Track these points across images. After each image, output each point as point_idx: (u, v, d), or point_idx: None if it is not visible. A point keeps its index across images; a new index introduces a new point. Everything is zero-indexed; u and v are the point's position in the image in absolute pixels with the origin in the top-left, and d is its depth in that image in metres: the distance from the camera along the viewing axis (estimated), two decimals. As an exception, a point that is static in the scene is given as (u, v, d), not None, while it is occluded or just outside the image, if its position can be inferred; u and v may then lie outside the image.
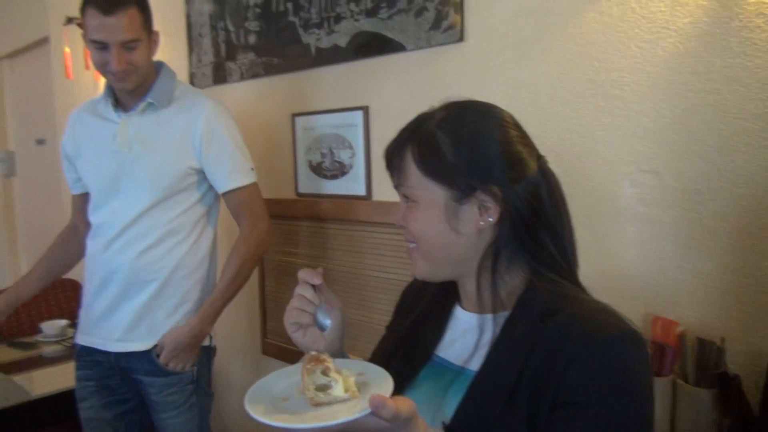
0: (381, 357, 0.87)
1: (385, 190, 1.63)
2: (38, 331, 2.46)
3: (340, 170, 1.73)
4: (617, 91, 1.18)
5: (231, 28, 2.03)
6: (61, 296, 2.78)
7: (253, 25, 1.95)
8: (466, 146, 0.75)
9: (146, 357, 1.52)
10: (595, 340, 0.67)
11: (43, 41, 3.33)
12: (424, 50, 1.49)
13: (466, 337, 0.80)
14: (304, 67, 1.81)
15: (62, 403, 1.93)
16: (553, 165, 1.26)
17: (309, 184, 1.83)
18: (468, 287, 0.80)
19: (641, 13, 1.13)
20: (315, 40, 1.75)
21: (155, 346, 1.52)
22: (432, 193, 0.76)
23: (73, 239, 1.71)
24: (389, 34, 1.55)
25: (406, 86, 1.55)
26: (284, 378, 0.75)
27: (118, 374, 1.58)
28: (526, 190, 0.77)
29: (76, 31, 2.73)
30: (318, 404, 0.65)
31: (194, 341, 1.52)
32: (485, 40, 1.38)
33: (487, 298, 0.78)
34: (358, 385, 0.69)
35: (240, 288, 1.58)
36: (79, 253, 1.69)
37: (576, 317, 0.70)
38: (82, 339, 1.61)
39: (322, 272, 0.84)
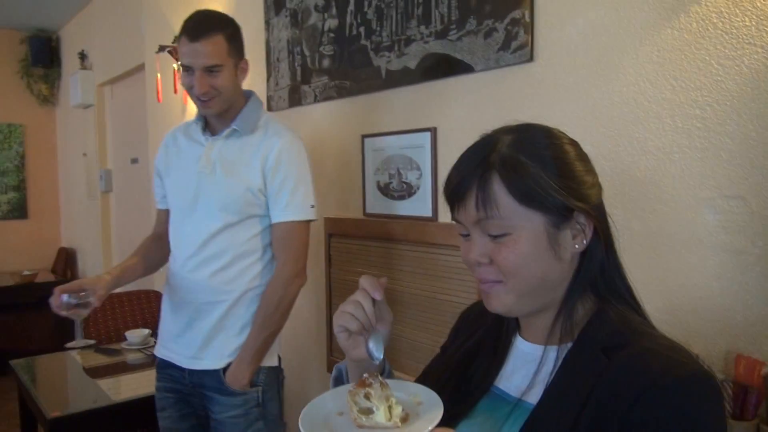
0: (434, 380, 0.84)
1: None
2: (123, 339, 2.61)
3: (407, 191, 1.73)
4: (697, 111, 1.11)
5: (307, 52, 2.10)
6: (145, 307, 2.94)
7: (327, 49, 2.00)
8: (554, 169, 0.71)
9: (216, 375, 1.56)
10: (664, 380, 0.62)
11: (140, 68, 3.59)
12: (493, 71, 1.47)
13: (526, 369, 0.77)
14: (374, 89, 1.83)
15: (143, 407, 2.03)
16: (627, 189, 1.21)
17: (377, 204, 1.84)
18: (541, 318, 0.77)
19: (723, 28, 1.06)
20: (385, 62, 1.78)
21: (226, 367, 1.56)
22: (531, 222, 0.71)
23: (160, 243, 1.76)
24: (458, 56, 1.55)
25: (473, 107, 1.54)
26: (339, 396, 0.76)
27: (192, 389, 1.63)
28: (603, 213, 0.76)
29: (166, 59, 2.92)
30: (361, 426, 0.65)
31: (239, 383, 1.55)
32: (556, 59, 1.34)
33: (558, 328, 0.74)
34: (406, 412, 0.68)
35: (274, 331, 1.58)
36: (165, 257, 1.74)
37: (644, 353, 0.66)
38: (160, 352, 1.69)
39: (385, 283, 0.82)
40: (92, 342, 2.68)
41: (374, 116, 1.85)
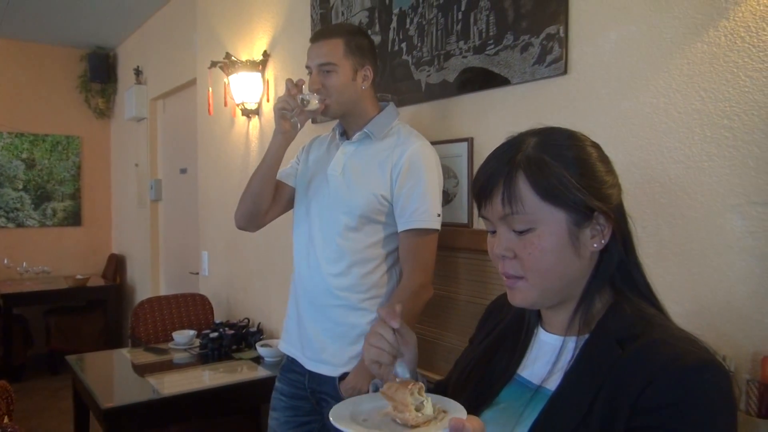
0: (460, 371, 0.91)
1: (486, 219, 1.67)
2: (170, 339, 2.73)
3: (444, 199, 1.80)
4: (726, 121, 1.15)
5: (350, 67, 2.20)
6: (191, 309, 3.07)
7: (369, 64, 2.10)
8: (576, 169, 0.75)
9: (332, 382, 1.57)
10: (675, 366, 0.66)
11: (191, 83, 3.77)
12: (529, 83, 1.54)
13: (546, 358, 0.81)
14: (414, 101, 1.92)
15: (188, 403, 2.14)
16: (657, 196, 1.25)
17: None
18: (561, 311, 0.81)
19: (751, 42, 1.11)
20: (425, 76, 1.86)
21: (342, 376, 1.53)
22: (553, 218, 0.75)
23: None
24: (495, 69, 1.62)
25: (509, 118, 1.60)
26: (365, 403, 0.81)
27: (306, 394, 1.66)
28: (622, 214, 0.80)
29: (218, 74, 3.08)
30: (415, 425, 0.70)
31: (353, 394, 1.50)
32: (589, 72, 1.40)
33: (577, 321, 0.79)
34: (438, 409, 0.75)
35: None
36: (267, 200, 1.69)
37: (655, 343, 0.70)
38: (285, 348, 1.73)
39: (401, 311, 0.86)
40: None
41: (414, 127, 1.92)
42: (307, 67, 1.61)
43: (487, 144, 1.67)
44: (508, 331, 0.89)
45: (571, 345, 0.78)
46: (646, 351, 0.69)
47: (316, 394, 1.64)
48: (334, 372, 1.57)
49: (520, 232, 0.76)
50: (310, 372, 1.63)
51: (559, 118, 1.46)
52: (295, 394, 1.69)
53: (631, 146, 1.31)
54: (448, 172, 1.78)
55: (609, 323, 0.76)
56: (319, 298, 1.60)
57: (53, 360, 4.77)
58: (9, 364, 4.27)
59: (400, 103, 1.98)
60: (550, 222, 0.75)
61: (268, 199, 1.68)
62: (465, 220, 1.72)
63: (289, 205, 1.77)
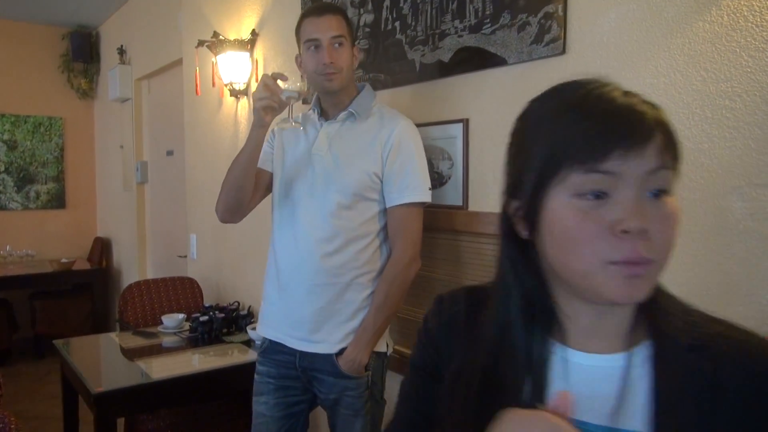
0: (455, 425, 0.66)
1: (479, 201, 1.66)
2: (159, 322, 2.70)
3: (438, 181, 1.78)
4: (727, 102, 1.14)
5: (342, 46, 2.16)
6: (180, 293, 3.04)
7: (362, 43, 2.06)
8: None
9: (328, 359, 1.58)
10: None
11: (176, 63, 3.70)
12: (526, 64, 1.52)
13: (594, 387, 0.62)
14: (408, 82, 1.89)
15: (179, 387, 2.13)
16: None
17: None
18: (618, 316, 0.63)
19: (754, 21, 1.09)
20: (420, 56, 1.83)
21: (339, 352, 1.58)
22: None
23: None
24: (491, 49, 1.59)
25: (505, 99, 1.58)
26: None
27: (297, 374, 1.65)
28: None
29: (205, 54, 3.01)
30: None
31: (354, 367, 1.56)
32: (588, 52, 1.38)
33: (643, 327, 0.63)
34: None
35: (391, 314, 1.60)
36: (249, 190, 1.67)
37: (738, 344, 0.59)
38: (268, 333, 1.69)
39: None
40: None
41: (408, 108, 1.90)
42: (312, 39, 1.58)
43: (483, 125, 1.65)
44: (506, 356, 0.64)
45: (638, 363, 0.61)
46: (737, 359, 0.58)
47: (308, 373, 1.63)
48: (329, 350, 1.58)
49: (657, 194, 0.57)
50: (301, 352, 1.62)
51: (557, 98, 1.44)
52: (284, 374, 1.67)
53: (630, 127, 1.30)
54: (442, 154, 1.76)
55: (666, 327, 0.61)
56: (311, 278, 1.59)
57: (39, 344, 4.72)
58: (-6, 349, 4.22)
59: (393, 84, 1.95)
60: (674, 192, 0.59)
61: (251, 190, 1.67)
62: (460, 202, 1.70)
63: (269, 190, 1.76)
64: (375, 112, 1.65)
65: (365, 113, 1.63)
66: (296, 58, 1.69)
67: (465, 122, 1.69)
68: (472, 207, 1.68)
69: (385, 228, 1.62)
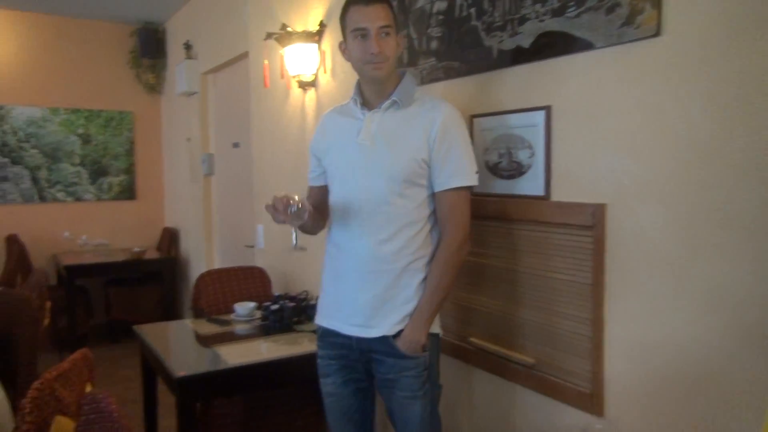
0: None
1: (565, 191, 1.61)
2: (231, 310, 2.78)
3: (517, 170, 1.74)
4: None
5: (414, 35, 2.14)
6: (250, 282, 3.11)
7: (435, 31, 2.03)
8: None
9: (386, 341, 1.61)
10: None
11: (242, 56, 3.76)
12: (615, 47, 1.45)
13: None
14: (484, 69, 1.85)
15: (253, 373, 2.18)
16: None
17: (486, 183, 1.85)
18: None
19: None
20: (497, 42, 1.79)
21: (396, 334, 1.60)
22: None
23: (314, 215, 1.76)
24: (576, 33, 1.54)
25: (592, 85, 1.52)
26: None
27: (357, 355, 1.68)
28: None
29: (273, 46, 3.05)
30: None
31: (412, 347, 1.59)
32: (686, 33, 1.31)
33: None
34: None
35: (445, 296, 1.63)
36: (321, 227, 1.84)
37: None
38: (325, 321, 1.74)
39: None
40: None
41: (484, 96, 1.87)
42: (360, 28, 1.59)
43: (568, 112, 1.59)
44: None
45: None
46: None
47: (366, 354, 1.66)
48: (387, 332, 1.61)
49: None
50: (357, 337, 1.65)
51: (650, 83, 1.38)
52: (344, 355, 1.71)
53: (734, 111, 1.23)
54: (521, 143, 1.72)
55: None
56: (367, 265, 1.62)
57: (113, 329, 4.94)
58: (74, 333, 4.44)
59: (467, 72, 1.92)
60: None
61: (323, 218, 1.81)
62: (542, 192, 1.66)
63: None
64: (417, 99, 1.66)
65: (408, 100, 1.65)
66: (340, 45, 1.70)
67: (547, 109, 1.64)
68: (556, 197, 1.63)
69: (434, 213, 1.65)
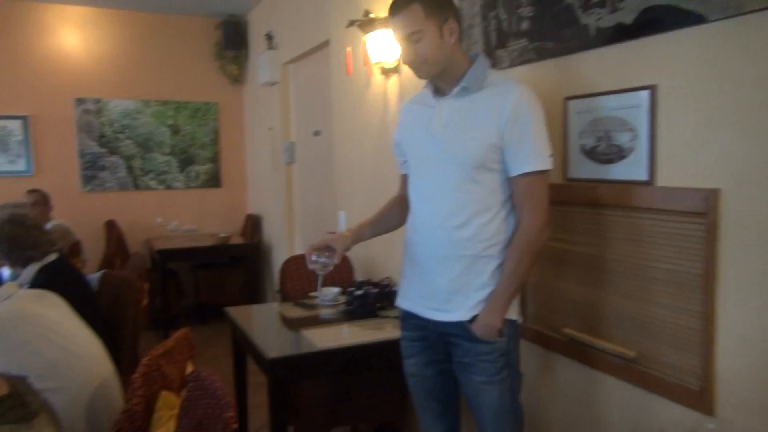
0: None
1: (671, 175, 1.52)
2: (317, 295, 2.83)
3: (617, 154, 1.66)
4: None
5: (503, 16, 2.08)
6: (334, 268, 3.14)
7: (526, 11, 1.97)
8: None
9: (461, 325, 1.62)
10: None
11: (322, 45, 3.80)
12: (731, 20, 1.35)
13: None
14: (579, 49, 1.77)
15: (339, 357, 2.22)
16: None
17: (581, 168, 1.78)
18: None
19: None
20: (595, 20, 1.70)
21: (471, 319, 1.60)
22: None
23: (402, 204, 1.87)
24: (686, 6, 1.44)
25: (705, 61, 1.42)
26: None
27: (435, 337, 1.71)
28: None
29: (354, 33, 3.06)
30: None
31: (488, 331, 1.58)
32: (818, 1, 1.19)
33: None
34: None
35: (522, 282, 1.62)
36: (405, 218, 1.85)
37: None
38: (404, 303, 1.79)
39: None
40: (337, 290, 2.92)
41: (579, 77, 1.79)
42: (395, 39, 1.63)
43: (676, 92, 1.50)
44: None
45: None
46: None
47: (443, 337, 1.69)
48: (462, 317, 1.62)
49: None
50: (434, 320, 1.68)
51: (774, 57, 1.27)
52: (425, 337, 1.74)
53: None
54: (621, 125, 1.64)
55: None
56: (442, 251, 1.63)
57: (202, 311, 5.19)
58: (167, 314, 4.70)
59: (561, 52, 1.84)
60: None
61: (404, 212, 1.84)
62: (645, 177, 1.58)
63: None
64: (489, 83, 1.61)
65: (479, 85, 1.61)
66: None
67: (652, 89, 1.55)
68: (661, 182, 1.54)
69: (510, 198, 1.62)
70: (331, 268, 1.76)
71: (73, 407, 1.68)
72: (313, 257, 1.76)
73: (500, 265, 1.61)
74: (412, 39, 1.58)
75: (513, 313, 1.64)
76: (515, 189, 1.60)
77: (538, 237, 1.58)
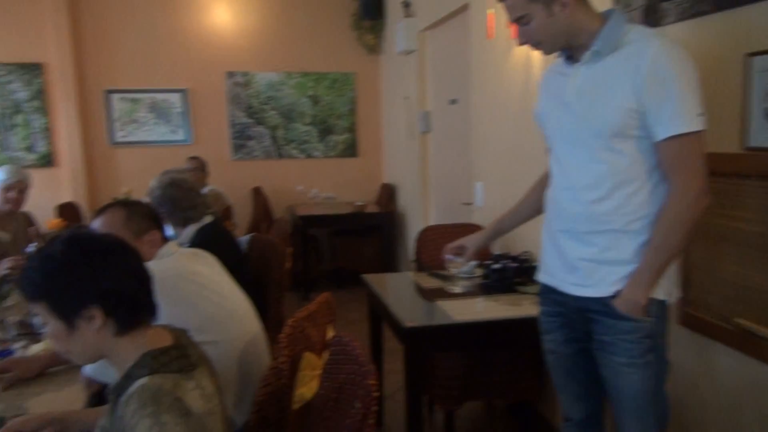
0: None
1: None
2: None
3: (812, 119, 1.41)
4: None
5: (671, -37, 1.84)
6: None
7: (700, -45, 1.72)
8: None
9: (602, 301, 1.54)
10: None
11: (461, 9, 3.68)
12: None
13: None
14: (704, 12, 1.52)
15: (474, 331, 2.18)
16: None
17: (764, 136, 1.55)
18: None
19: None
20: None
21: (613, 294, 1.52)
22: None
23: (545, 185, 1.81)
24: None
25: None
26: None
27: (575, 313, 1.65)
28: None
29: (498, -6, 2.91)
30: None
31: (631, 307, 1.48)
32: None
33: None
34: None
35: (672, 256, 1.48)
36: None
37: None
38: (543, 278, 1.75)
39: None
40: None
41: (708, 43, 1.54)
42: None
43: None
44: None
45: None
46: None
47: (584, 314, 1.61)
48: (604, 292, 1.54)
49: None
50: (574, 295, 1.61)
51: None
52: (563, 313, 1.68)
53: None
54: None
55: None
56: (581, 225, 1.56)
57: (339, 275, 5.41)
58: (307, 277, 4.95)
59: (680, 16, 1.60)
60: None
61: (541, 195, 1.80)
62: None
63: None
64: (626, 41, 1.47)
65: (612, 46, 1.48)
66: None
67: None
68: None
69: (658, 167, 1.48)
70: (466, 267, 1.85)
71: (227, 360, 1.80)
72: (448, 257, 1.92)
73: (647, 242, 1.48)
74: (521, 23, 1.54)
75: (661, 293, 1.50)
76: (662, 155, 1.46)
77: (691, 206, 1.43)
